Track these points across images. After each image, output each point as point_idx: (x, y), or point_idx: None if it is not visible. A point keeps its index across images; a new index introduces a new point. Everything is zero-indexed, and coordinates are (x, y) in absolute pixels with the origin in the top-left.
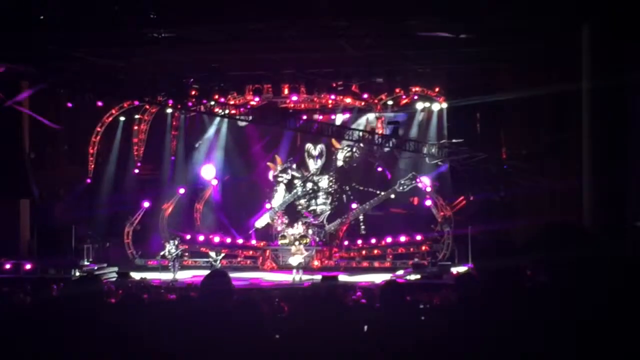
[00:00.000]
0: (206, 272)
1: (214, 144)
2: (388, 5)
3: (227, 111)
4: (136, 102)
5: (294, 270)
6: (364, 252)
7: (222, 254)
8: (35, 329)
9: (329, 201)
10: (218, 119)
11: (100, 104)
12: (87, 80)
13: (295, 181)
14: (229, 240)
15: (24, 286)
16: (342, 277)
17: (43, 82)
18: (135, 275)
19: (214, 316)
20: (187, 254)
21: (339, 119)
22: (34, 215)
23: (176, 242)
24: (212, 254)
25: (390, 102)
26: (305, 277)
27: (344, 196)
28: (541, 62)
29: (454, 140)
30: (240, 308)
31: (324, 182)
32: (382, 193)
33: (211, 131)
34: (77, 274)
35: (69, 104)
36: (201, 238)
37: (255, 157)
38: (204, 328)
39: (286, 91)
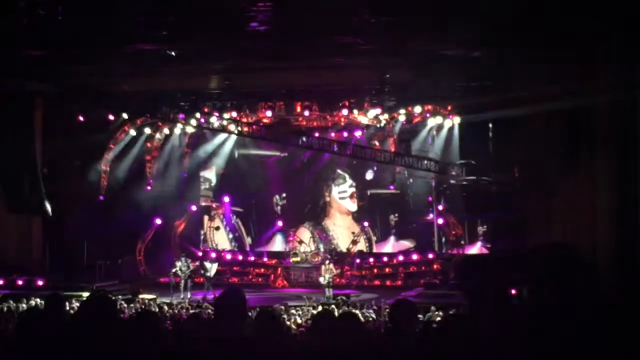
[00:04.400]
0: (217, 289)
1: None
2: (404, 24)
3: (239, 128)
4: (149, 119)
5: (326, 290)
6: (375, 270)
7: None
8: (51, 346)
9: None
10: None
11: (111, 118)
12: (99, 96)
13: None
14: (240, 257)
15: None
16: (353, 295)
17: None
18: (147, 293)
19: (229, 334)
20: (202, 271)
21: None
22: (46, 231)
23: (188, 260)
24: (208, 268)
25: (402, 120)
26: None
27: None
28: (555, 79)
29: (462, 161)
30: (256, 326)
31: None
32: None
33: (216, 142)
34: (89, 291)
35: (81, 117)
36: (213, 255)
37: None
38: (219, 347)
39: (299, 108)
